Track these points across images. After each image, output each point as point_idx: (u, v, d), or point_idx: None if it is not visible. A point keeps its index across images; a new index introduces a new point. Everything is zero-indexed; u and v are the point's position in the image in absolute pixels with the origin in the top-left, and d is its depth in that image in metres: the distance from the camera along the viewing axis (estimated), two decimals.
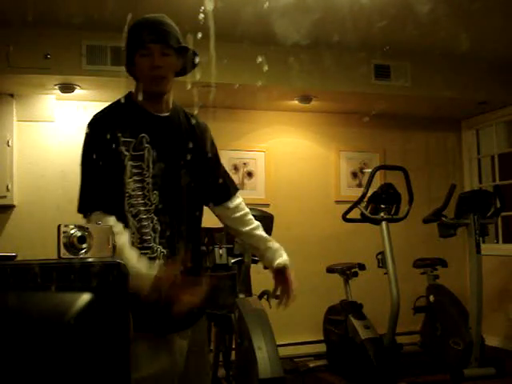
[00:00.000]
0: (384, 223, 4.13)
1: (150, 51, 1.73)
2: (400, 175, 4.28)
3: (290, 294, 1.96)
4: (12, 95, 4.46)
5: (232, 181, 2.02)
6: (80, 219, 1.70)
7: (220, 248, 3.42)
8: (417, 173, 5.03)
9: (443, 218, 4.25)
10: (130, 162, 1.72)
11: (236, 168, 5.19)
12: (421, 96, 4.92)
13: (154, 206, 1.73)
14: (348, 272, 4.49)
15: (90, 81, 4.18)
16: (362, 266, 4.41)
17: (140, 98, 1.77)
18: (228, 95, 4.60)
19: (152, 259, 1.71)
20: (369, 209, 4.20)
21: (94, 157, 1.71)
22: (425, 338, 4.62)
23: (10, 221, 4.46)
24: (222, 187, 1.95)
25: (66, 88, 4.29)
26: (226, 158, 5.14)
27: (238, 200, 1.98)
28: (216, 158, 1.97)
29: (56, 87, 4.28)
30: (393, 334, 4.03)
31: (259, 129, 5.32)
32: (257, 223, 1.99)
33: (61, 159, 4.49)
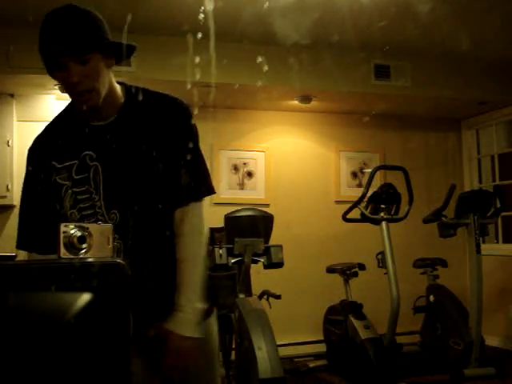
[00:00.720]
0: (384, 223, 4.13)
1: (63, 66, 1.42)
2: (400, 175, 4.28)
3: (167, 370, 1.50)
4: (12, 95, 4.46)
5: (194, 185, 1.57)
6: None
7: (220, 248, 3.42)
8: (417, 173, 5.03)
9: (443, 218, 4.25)
10: (74, 189, 1.51)
11: (236, 168, 5.19)
12: (421, 96, 4.92)
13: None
14: (348, 272, 4.49)
15: None
16: (362, 266, 4.41)
17: (78, 109, 1.53)
18: (228, 95, 4.60)
19: None
20: (369, 209, 4.20)
21: (28, 191, 1.58)
22: (425, 338, 4.62)
23: (10, 221, 4.46)
24: (177, 190, 1.55)
25: None
26: (226, 158, 5.14)
27: (189, 213, 1.56)
28: (178, 152, 1.55)
29: (56, 87, 4.27)
30: (393, 334, 4.03)
31: (259, 129, 5.32)
32: (190, 253, 1.55)
33: None
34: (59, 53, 1.40)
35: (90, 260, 1.05)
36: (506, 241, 5.44)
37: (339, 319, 4.22)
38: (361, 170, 5.53)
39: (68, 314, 0.86)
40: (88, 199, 1.51)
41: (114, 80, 1.55)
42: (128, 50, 1.52)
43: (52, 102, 4.57)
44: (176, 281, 1.55)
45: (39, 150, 1.57)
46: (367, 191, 4.15)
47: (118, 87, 1.56)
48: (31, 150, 1.59)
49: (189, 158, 1.56)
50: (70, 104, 1.59)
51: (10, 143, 4.40)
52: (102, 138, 1.52)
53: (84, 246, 1.07)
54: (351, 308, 4.18)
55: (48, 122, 1.65)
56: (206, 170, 1.64)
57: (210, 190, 1.63)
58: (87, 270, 0.95)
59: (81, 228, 1.08)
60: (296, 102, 4.99)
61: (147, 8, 3.61)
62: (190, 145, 1.57)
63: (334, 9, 3.67)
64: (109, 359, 0.90)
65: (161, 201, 1.54)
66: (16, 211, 4.57)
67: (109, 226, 1.17)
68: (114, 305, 0.92)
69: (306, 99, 4.90)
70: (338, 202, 5.29)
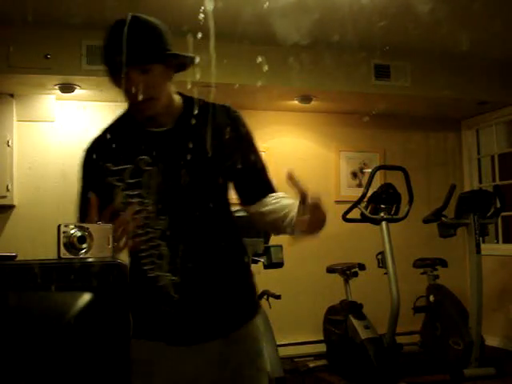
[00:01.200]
0: (384, 223, 4.13)
1: (125, 74, 1.47)
2: (400, 175, 4.28)
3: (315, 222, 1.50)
4: (12, 95, 4.46)
5: (268, 182, 1.79)
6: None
7: None
8: (417, 173, 5.03)
9: (443, 218, 4.25)
10: (127, 192, 1.52)
11: None
12: (421, 96, 4.92)
13: (159, 231, 1.53)
14: (348, 272, 4.49)
15: (89, 81, 4.18)
16: (362, 266, 4.41)
17: (137, 116, 1.58)
18: (228, 95, 4.57)
19: (155, 291, 1.52)
20: (369, 209, 4.21)
21: (83, 188, 1.61)
22: (425, 338, 4.62)
23: (9, 221, 4.46)
24: (248, 189, 1.73)
25: (66, 88, 4.29)
26: None
27: (267, 202, 1.75)
28: (240, 156, 1.69)
29: (56, 87, 4.28)
30: (393, 334, 4.03)
31: (259, 129, 5.30)
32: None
33: (61, 159, 4.49)
34: (122, 62, 1.45)
35: (90, 260, 1.05)
36: (506, 241, 5.44)
37: (339, 319, 4.22)
38: (361, 170, 5.53)
39: (68, 314, 0.86)
40: (139, 203, 1.52)
41: (173, 90, 1.61)
42: (188, 61, 1.60)
43: (52, 102, 4.58)
44: (227, 285, 1.67)
45: (95, 151, 1.60)
46: (367, 191, 4.15)
47: (176, 97, 1.63)
48: (87, 151, 1.62)
49: (257, 159, 1.76)
50: (128, 108, 1.61)
51: (9, 143, 4.40)
52: (158, 143, 1.56)
53: (84, 246, 1.07)
54: (351, 308, 4.18)
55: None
56: None
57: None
58: (87, 270, 0.95)
59: (81, 228, 1.08)
60: (296, 102, 4.99)
61: (147, 8, 3.61)
62: (254, 147, 1.77)
63: (334, 9, 3.67)
64: (109, 359, 0.90)
65: (217, 207, 1.61)
66: (16, 211, 4.59)
67: (109, 226, 1.17)
68: (114, 305, 0.92)
69: (306, 99, 4.91)
70: (338, 201, 5.29)
